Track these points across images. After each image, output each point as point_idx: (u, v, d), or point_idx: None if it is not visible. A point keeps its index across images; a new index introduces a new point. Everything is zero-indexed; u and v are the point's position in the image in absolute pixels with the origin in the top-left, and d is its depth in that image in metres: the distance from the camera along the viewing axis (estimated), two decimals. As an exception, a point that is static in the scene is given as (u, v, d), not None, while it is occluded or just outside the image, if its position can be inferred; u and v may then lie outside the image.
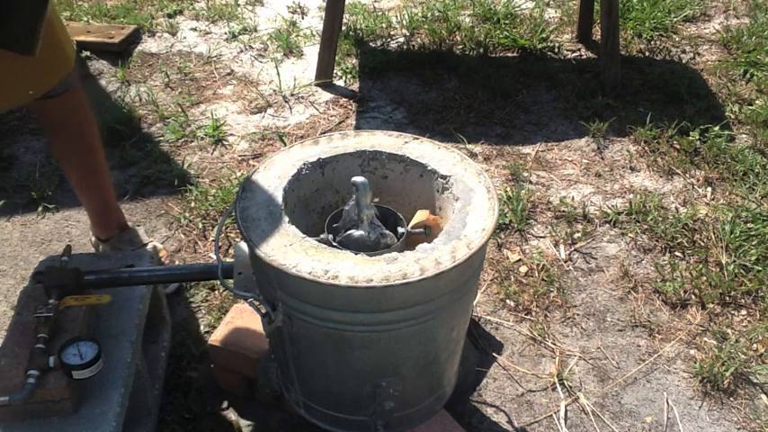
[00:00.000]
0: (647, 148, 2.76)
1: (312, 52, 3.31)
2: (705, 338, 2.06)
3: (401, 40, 3.45)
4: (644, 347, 2.04)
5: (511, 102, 3.03)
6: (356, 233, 1.48)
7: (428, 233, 1.51)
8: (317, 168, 1.57)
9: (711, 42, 3.44)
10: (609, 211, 2.46)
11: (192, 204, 2.49)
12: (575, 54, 3.36)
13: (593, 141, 2.81)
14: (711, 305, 2.14)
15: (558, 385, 1.94)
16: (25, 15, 1.46)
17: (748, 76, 3.16)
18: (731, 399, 1.90)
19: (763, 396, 1.91)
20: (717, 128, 2.77)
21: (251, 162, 2.71)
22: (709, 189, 2.57)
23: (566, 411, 1.88)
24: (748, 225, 2.37)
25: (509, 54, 3.35)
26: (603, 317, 2.13)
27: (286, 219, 1.42)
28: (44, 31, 1.51)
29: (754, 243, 2.30)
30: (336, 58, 3.16)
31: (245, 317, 1.84)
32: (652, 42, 3.41)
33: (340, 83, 3.16)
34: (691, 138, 2.73)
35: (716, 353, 1.99)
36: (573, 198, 2.53)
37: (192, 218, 2.44)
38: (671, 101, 3.00)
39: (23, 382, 1.43)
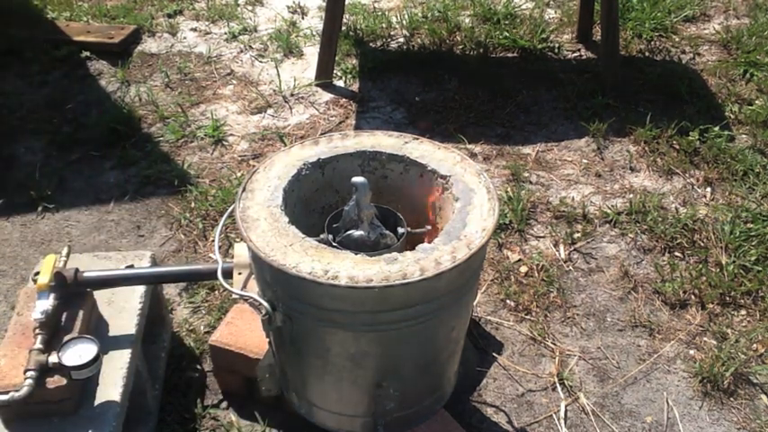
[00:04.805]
0: (646, 148, 2.76)
1: (312, 52, 3.31)
2: (705, 338, 2.06)
3: (401, 40, 3.45)
4: (644, 347, 2.04)
5: (511, 102, 3.03)
6: (356, 233, 1.48)
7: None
8: (317, 168, 1.57)
9: (711, 42, 3.44)
10: (609, 211, 2.46)
11: (192, 204, 2.49)
12: (575, 54, 3.36)
13: (593, 141, 2.81)
14: (711, 305, 2.14)
15: (558, 385, 1.94)
16: None
17: (748, 76, 3.16)
18: (731, 399, 1.90)
19: (763, 396, 1.91)
20: (717, 128, 2.77)
21: (251, 162, 2.71)
22: (709, 189, 2.57)
23: (566, 411, 1.88)
24: (748, 225, 2.37)
25: (509, 54, 3.35)
26: (603, 317, 2.13)
27: (286, 219, 1.42)
28: None
29: (754, 243, 2.30)
30: (336, 58, 3.15)
31: (245, 317, 1.84)
32: (652, 42, 3.41)
33: (340, 83, 3.16)
34: (690, 138, 2.73)
35: (716, 353, 1.99)
36: (573, 198, 2.53)
37: (192, 218, 2.44)
38: (671, 101, 3.00)
39: (23, 383, 1.43)
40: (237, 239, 2.29)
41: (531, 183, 2.61)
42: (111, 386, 1.56)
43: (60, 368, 1.45)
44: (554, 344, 2.04)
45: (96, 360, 1.47)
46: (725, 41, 3.41)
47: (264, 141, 2.82)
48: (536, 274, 2.24)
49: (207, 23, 3.62)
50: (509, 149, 2.77)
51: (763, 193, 2.52)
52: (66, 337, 1.50)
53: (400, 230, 1.52)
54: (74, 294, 1.61)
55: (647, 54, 3.34)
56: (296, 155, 1.58)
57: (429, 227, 1.55)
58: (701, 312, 2.12)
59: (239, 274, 1.55)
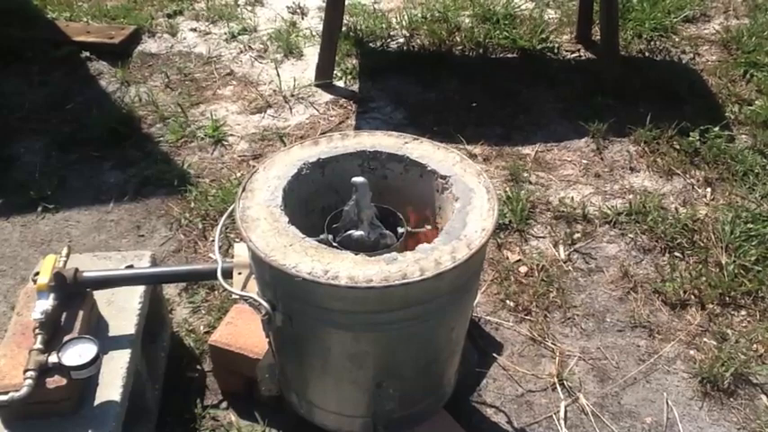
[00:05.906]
0: (646, 148, 2.76)
1: (312, 52, 3.31)
2: (705, 339, 2.05)
3: (401, 40, 3.45)
4: (644, 348, 2.04)
5: (511, 102, 3.03)
6: (356, 233, 1.48)
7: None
8: (316, 168, 1.57)
9: (711, 43, 3.44)
10: (608, 211, 2.46)
11: (192, 204, 2.49)
12: (574, 54, 3.36)
13: (593, 142, 2.81)
14: (711, 305, 2.14)
15: (557, 385, 1.94)
16: None
17: (748, 76, 3.16)
18: (731, 399, 1.90)
19: (763, 396, 1.91)
20: (717, 128, 2.77)
21: (251, 162, 2.71)
22: (709, 189, 2.57)
23: (565, 411, 1.88)
24: (748, 225, 2.37)
25: (509, 54, 3.35)
26: (603, 317, 2.13)
27: (286, 219, 1.42)
28: None
29: (754, 243, 2.30)
30: (336, 58, 3.16)
31: (245, 317, 1.84)
32: (652, 43, 3.41)
33: (340, 83, 3.16)
34: (691, 138, 2.73)
35: (716, 353, 1.99)
36: (572, 198, 2.53)
37: (191, 218, 2.44)
38: (671, 101, 3.00)
39: (23, 383, 1.43)
40: (237, 239, 2.29)
41: (530, 183, 2.61)
42: (111, 386, 1.56)
43: (60, 368, 1.45)
44: (554, 344, 2.04)
45: (96, 360, 1.47)
46: (725, 41, 3.41)
47: (264, 141, 2.82)
48: (536, 275, 2.24)
49: (207, 24, 3.62)
50: (509, 150, 2.77)
51: (763, 193, 2.52)
52: (66, 337, 1.50)
53: (400, 230, 1.52)
54: (74, 294, 1.61)
55: (647, 54, 3.34)
56: (296, 155, 1.58)
57: (429, 227, 1.55)
58: (700, 312, 2.12)
59: (239, 274, 1.55)
